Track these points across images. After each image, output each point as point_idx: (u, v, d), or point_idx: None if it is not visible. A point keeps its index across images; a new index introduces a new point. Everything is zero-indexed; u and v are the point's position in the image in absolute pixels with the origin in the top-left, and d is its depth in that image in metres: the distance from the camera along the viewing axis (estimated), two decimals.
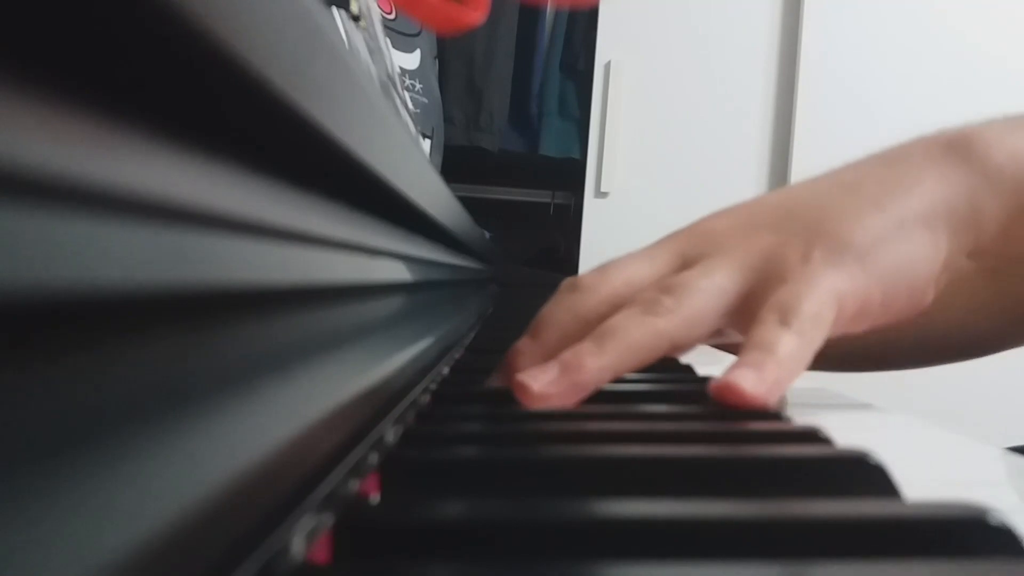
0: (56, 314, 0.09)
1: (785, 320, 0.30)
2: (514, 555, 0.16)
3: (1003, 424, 1.15)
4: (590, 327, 0.32)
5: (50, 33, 0.10)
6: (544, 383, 0.29)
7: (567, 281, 0.36)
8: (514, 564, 0.15)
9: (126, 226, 0.11)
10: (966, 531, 0.16)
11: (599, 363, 0.30)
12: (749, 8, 1.82)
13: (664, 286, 0.33)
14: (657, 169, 1.81)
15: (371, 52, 0.63)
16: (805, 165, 1.79)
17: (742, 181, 1.82)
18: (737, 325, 0.33)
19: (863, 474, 0.20)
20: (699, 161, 1.81)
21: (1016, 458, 0.29)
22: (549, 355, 0.31)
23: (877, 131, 1.88)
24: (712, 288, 0.32)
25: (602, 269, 0.35)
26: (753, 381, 0.28)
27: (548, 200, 2.00)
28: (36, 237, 0.08)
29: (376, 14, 0.87)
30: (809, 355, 0.30)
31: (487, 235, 1.39)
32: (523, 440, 0.25)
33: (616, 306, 0.33)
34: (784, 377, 0.29)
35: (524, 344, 0.34)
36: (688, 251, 0.35)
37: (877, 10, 1.81)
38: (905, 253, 0.33)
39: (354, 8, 0.58)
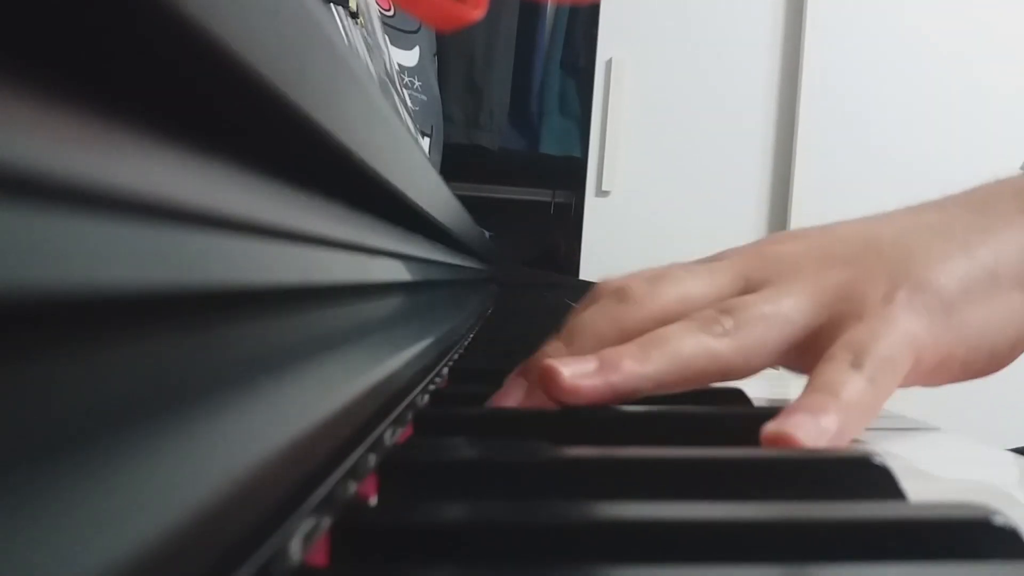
0: (56, 314, 0.09)
1: (858, 362, 0.27)
2: (512, 557, 0.16)
3: (998, 425, 1.15)
4: (633, 337, 0.30)
5: (48, 31, 0.10)
6: (576, 373, 0.27)
7: (610, 286, 0.33)
8: (512, 566, 0.15)
9: (125, 226, 0.11)
10: (971, 533, 0.16)
11: (640, 370, 0.28)
12: (751, 5, 1.82)
13: (724, 307, 0.30)
14: (659, 168, 1.81)
15: (370, 49, 0.63)
16: (808, 163, 1.79)
17: (744, 180, 1.82)
18: (798, 363, 0.30)
19: (867, 476, 0.20)
20: (701, 160, 1.81)
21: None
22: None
23: (881, 131, 1.88)
24: (778, 317, 0.30)
25: (654, 280, 0.33)
26: (812, 432, 0.25)
27: (548, 199, 2.00)
28: (36, 237, 0.08)
29: (375, 11, 0.86)
30: (878, 405, 0.27)
31: (487, 235, 1.39)
32: (521, 441, 0.25)
33: (666, 324, 0.30)
34: (848, 427, 0.26)
35: (555, 349, 0.31)
36: (752, 273, 0.32)
37: (879, 8, 1.81)
38: (995, 313, 0.31)
39: (352, 5, 0.58)
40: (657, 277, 0.33)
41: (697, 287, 0.32)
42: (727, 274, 0.32)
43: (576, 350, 0.30)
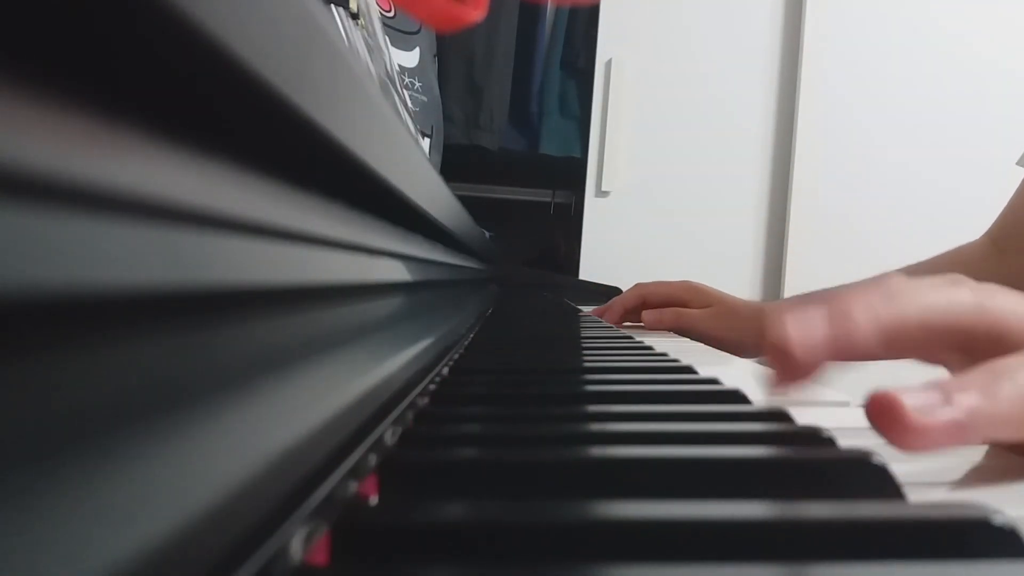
0: (56, 314, 0.09)
1: None
2: (513, 557, 0.16)
3: None
4: (956, 336, 0.26)
5: (48, 32, 0.10)
6: (921, 407, 0.22)
7: (892, 277, 0.28)
8: (513, 566, 0.15)
9: (125, 226, 0.11)
10: (971, 532, 0.16)
11: (990, 410, 0.23)
12: (750, 5, 1.82)
13: None
14: (658, 168, 1.81)
15: (370, 50, 0.63)
16: (807, 163, 1.79)
17: (743, 180, 1.82)
18: None
19: (866, 475, 0.20)
20: (701, 160, 1.81)
21: None
22: (899, 334, 0.25)
23: (880, 130, 1.88)
24: None
25: (987, 287, 0.28)
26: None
27: (548, 199, 2.00)
28: (36, 237, 0.08)
29: (375, 12, 0.86)
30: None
31: (487, 235, 1.39)
32: (522, 441, 0.25)
33: (993, 333, 0.26)
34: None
35: (872, 299, 0.26)
36: None
37: (878, 7, 1.81)
38: None
39: (353, 6, 0.58)
40: (991, 286, 0.28)
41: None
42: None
43: (897, 314, 0.26)
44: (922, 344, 0.26)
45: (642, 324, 0.95)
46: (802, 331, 0.24)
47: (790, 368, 0.25)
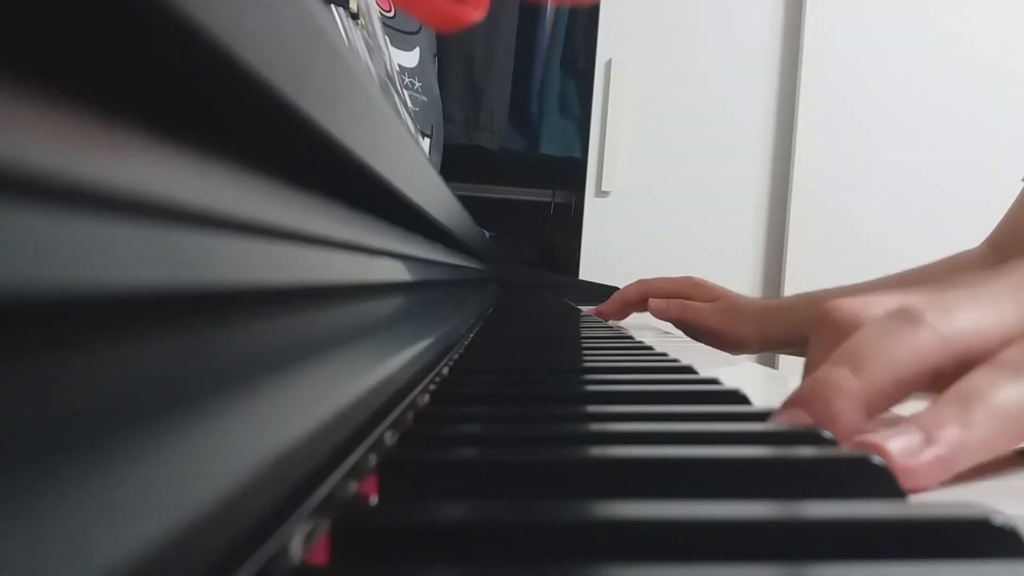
0: (56, 314, 0.09)
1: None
2: (513, 557, 0.16)
3: None
4: (926, 376, 0.27)
5: (47, 31, 0.10)
6: (905, 451, 0.23)
7: (887, 304, 0.29)
8: (513, 566, 0.15)
9: (125, 226, 0.11)
10: (971, 532, 0.16)
11: (968, 438, 0.24)
12: (750, 5, 1.82)
13: None
14: (658, 168, 1.81)
15: (370, 50, 0.63)
16: (807, 163, 1.79)
17: (743, 180, 1.82)
18: None
19: (866, 475, 0.20)
20: (701, 160, 1.81)
21: None
22: (876, 399, 0.26)
23: (880, 130, 1.88)
24: None
25: (945, 307, 0.28)
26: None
27: (548, 199, 2.00)
28: (36, 237, 0.08)
29: (375, 12, 0.86)
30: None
31: (487, 235, 1.39)
32: (522, 441, 0.25)
33: (959, 359, 0.27)
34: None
35: (841, 376, 0.27)
36: None
37: (878, 7, 1.81)
38: None
39: (353, 6, 0.58)
40: (945, 303, 0.28)
41: (987, 319, 0.28)
42: (1009, 304, 0.28)
43: (869, 382, 0.26)
44: (900, 397, 0.27)
45: (625, 316, 0.96)
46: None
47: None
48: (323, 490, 0.16)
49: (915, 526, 0.16)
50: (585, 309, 1.03)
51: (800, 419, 0.27)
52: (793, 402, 0.27)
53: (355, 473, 0.18)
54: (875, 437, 0.23)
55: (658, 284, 0.96)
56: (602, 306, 0.99)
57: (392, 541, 0.16)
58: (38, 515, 0.07)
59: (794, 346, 0.89)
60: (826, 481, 0.20)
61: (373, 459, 0.20)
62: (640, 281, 0.97)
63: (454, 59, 1.78)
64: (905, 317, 0.28)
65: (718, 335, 0.90)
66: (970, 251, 0.82)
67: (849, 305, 0.30)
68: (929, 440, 0.23)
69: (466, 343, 0.53)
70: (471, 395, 0.34)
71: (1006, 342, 0.27)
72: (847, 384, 0.26)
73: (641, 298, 0.96)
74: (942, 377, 0.27)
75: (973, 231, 0.87)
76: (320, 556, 0.15)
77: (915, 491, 0.22)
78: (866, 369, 0.27)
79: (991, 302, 0.28)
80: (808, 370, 0.31)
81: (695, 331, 0.92)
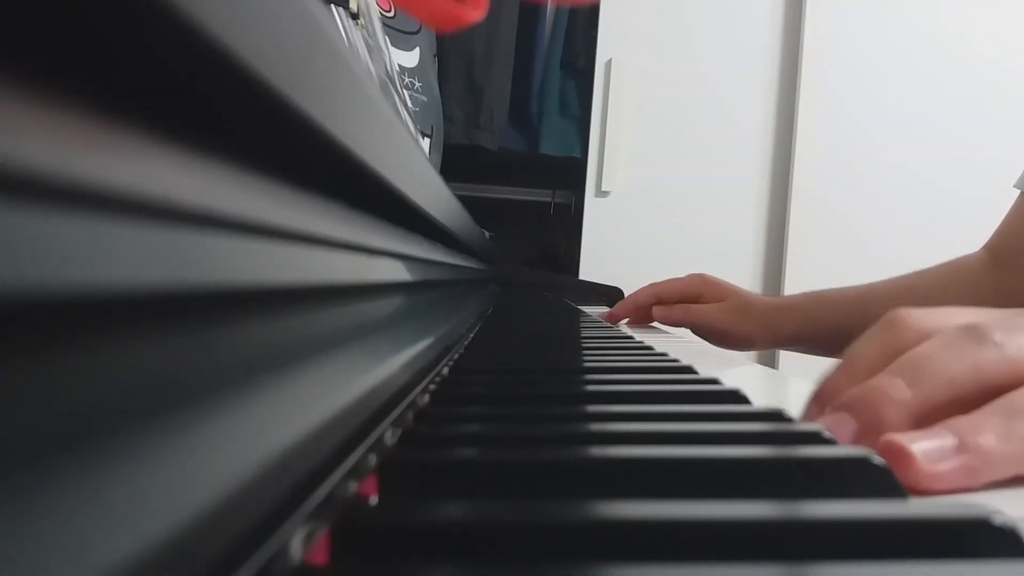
0: (56, 314, 0.09)
1: None
2: (513, 557, 0.16)
3: None
4: (986, 395, 0.26)
5: (47, 31, 0.10)
6: (931, 454, 0.23)
7: (955, 319, 0.29)
8: (513, 566, 0.15)
9: (125, 226, 0.11)
10: (971, 532, 0.16)
11: (1006, 450, 0.23)
12: (750, 5, 1.82)
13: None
14: (658, 168, 1.81)
15: (370, 50, 0.63)
16: (807, 163, 1.79)
17: (743, 180, 1.82)
18: None
19: (866, 475, 0.20)
20: (701, 160, 1.81)
21: None
22: (927, 415, 0.26)
23: (879, 130, 1.88)
24: None
25: (1013, 327, 0.28)
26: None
27: (548, 199, 2.00)
28: (36, 237, 0.08)
29: (375, 12, 0.86)
30: None
31: (487, 235, 1.39)
32: (522, 441, 0.25)
33: (1021, 381, 0.26)
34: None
35: (894, 387, 0.26)
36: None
37: (878, 7, 1.81)
38: None
39: (353, 6, 0.58)
40: (1017, 325, 0.27)
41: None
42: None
43: (924, 397, 0.26)
44: (954, 416, 0.25)
45: (641, 323, 0.96)
46: (833, 430, 0.25)
47: None
48: (323, 490, 0.16)
49: (915, 526, 0.16)
50: (596, 313, 1.03)
51: (844, 425, 0.26)
52: (841, 405, 0.27)
53: (355, 473, 0.18)
54: (901, 438, 0.23)
55: (668, 286, 0.97)
56: (614, 309, 1.00)
57: (392, 541, 0.16)
58: (38, 515, 0.07)
59: (802, 343, 0.90)
60: (826, 481, 0.20)
61: (373, 459, 0.20)
62: (651, 285, 0.98)
63: (454, 59, 1.78)
64: (972, 334, 0.27)
65: (724, 334, 0.91)
66: (969, 256, 0.83)
67: (918, 315, 0.29)
68: (963, 446, 0.23)
69: (466, 343, 0.53)
70: (471, 395, 0.34)
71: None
72: (900, 395, 0.26)
73: (653, 301, 0.97)
74: (1000, 393, 0.26)
75: (973, 231, 0.87)
76: (320, 556, 0.15)
77: (937, 492, 0.22)
78: (923, 384, 0.26)
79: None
80: (847, 361, 0.30)
81: (701, 331, 0.93)
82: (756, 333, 0.89)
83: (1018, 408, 0.24)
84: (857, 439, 0.26)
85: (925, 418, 0.26)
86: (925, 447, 0.23)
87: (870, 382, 0.27)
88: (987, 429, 0.23)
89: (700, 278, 0.95)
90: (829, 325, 0.85)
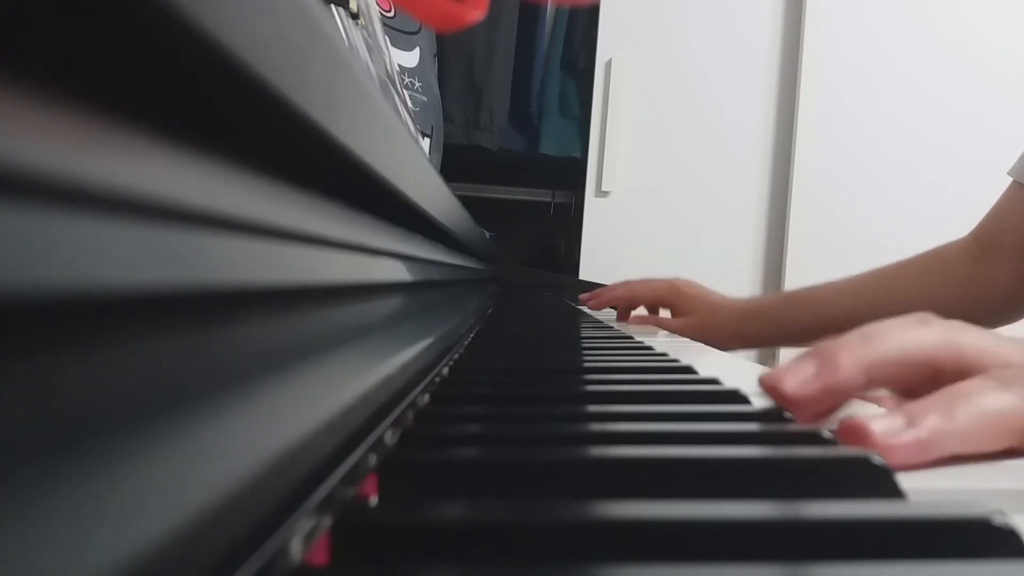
0: (56, 314, 0.09)
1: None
2: (513, 557, 0.16)
3: None
4: (927, 368, 0.30)
5: (47, 31, 0.10)
6: (887, 431, 0.26)
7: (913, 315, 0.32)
8: (513, 566, 0.15)
9: (125, 226, 0.11)
10: (971, 532, 0.16)
11: (947, 427, 0.26)
12: (750, 5, 1.82)
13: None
14: (658, 168, 1.81)
15: (370, 50, 0.63)
16: (807, 163, 1.79)
17: (743, 180, 1.82)
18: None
19: (866, 475, 0.20)
20: (701, 160, 1.81)
21: None
22: (877, 367, 0.30)
23: (880, 129, 1.87)
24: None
25: (956, 325, 0.32)
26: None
27: (548, 199, 2.00)
28: (36, 237, 0.08)
29: (375, 12, 0.86)
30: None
31: (487, 235, 1.39)
32: (522, 441, 0.25)
33: (958, 366, 0.30)
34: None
35: (850, 340, 0.30)
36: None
37: (878, 7, 1.81)
38: None
39: (353, 6, 0.58)
40: (960, 325, 0.32)
41: (990, 343, 0.31)
42: (1013, 347, 0.31)
43: (875, 350, 0.30)
44: (898, 376, 0.30)
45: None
46: (795, 381, 0.29)
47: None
48: (323, 490, 0.16)
49: (915, 526, 0.16)
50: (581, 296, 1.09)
51: (803, 370, 0.30)
52: (802, 355, 0.31)
53: (355, 473, 0.18)
54: (860, 418, 0.26)
55: (642, 290, 1.02)
56: (590, 296, 1.06)
57: (392, 541, 0.16)
58: (39, 515, 0.07)
59: (775, 345, 0.94)
60: (826, 480, 0.20)
61: (373, 459, 0.20)
62: (626, 284, 1.02)
63: (454, 59, 1.78)
64: (918, 318, 0.32)
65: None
66: (955, 242, 0.84)
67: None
68: (911, 424, 0.26)
69: (466, 343, 0.53)
70: (471, 395, 0.34)
71: (1003, 367, 0.29)
72: (855, 346, 0.30)
73: (626, 305, 1.03)
74: (941, 379, 0.29)
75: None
76: (320, 556, 0.15)
77: (896, 469, 0.24)
78: (874, 341, 0.30)
79: (998, 338, 0.32)
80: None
81: None
82: (721, 342, 0.92)
83: (959, 395, 0.27)
84: (814, 381, 0.30)
85: (874, 370, 0.30)
86: (881, 425, 0.26)
87: (831, 344, 0.31)
88: (931, 410, 0.26)
89: (673, 289, 1.00)
90: (803, 327, 0.90)
